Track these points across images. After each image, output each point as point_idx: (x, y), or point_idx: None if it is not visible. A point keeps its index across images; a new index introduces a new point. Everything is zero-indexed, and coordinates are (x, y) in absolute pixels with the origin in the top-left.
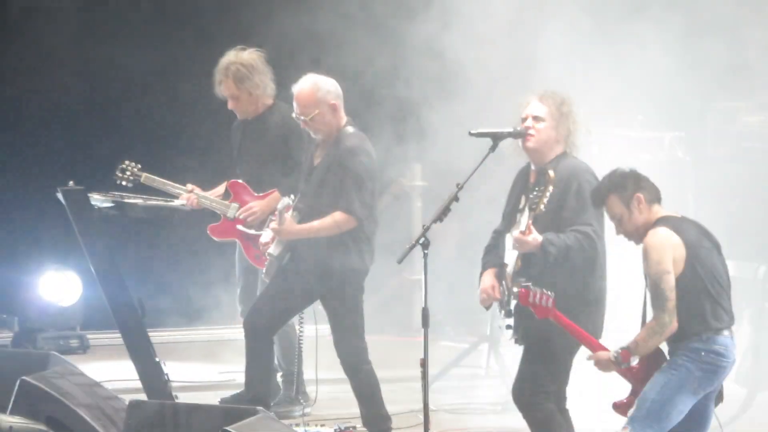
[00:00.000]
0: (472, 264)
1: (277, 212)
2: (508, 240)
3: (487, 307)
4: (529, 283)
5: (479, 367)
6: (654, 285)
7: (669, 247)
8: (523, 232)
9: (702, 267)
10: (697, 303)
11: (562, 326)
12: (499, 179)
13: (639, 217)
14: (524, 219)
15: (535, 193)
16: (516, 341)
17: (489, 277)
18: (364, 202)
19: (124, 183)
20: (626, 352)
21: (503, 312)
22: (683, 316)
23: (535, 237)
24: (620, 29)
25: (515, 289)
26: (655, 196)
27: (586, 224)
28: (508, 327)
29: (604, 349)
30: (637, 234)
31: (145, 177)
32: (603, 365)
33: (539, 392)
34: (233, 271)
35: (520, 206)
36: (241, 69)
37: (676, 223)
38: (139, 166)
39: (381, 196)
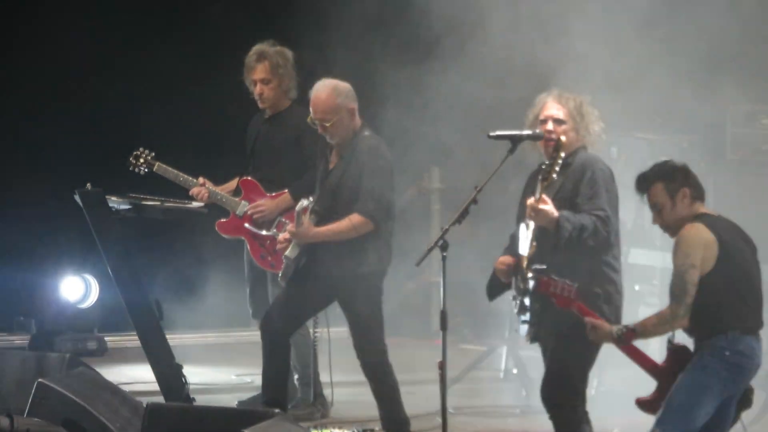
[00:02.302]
0: (492, 266)
1: (294, 214)
2: (522, 230)
3: (493, 293)
4: (545, 267)
5: (498, 370)
6: (678, 276)
7: (701, 242)
8: (537, 200)
9: (733, 266)
10: (725, 301)
11: (583, 316)
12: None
13: (681, 211)
14: (537, 189)
15: (547, 163)
16: (531, 340)
17: (504, 257)
18: (380, 205)
19: (136, 170)
20: (631, 332)
21: (518, 306)
22: (710, 313)
23: (551, 210)
24: (640, 32)
25: (530, 276)
26: (699, 194)
27: (599, 209)
28: (524, 322)
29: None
30: (675, 227)
31: (158, 166)
32: (599, 335)
33: (571, 393)
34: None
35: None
36: (278, 56)
37: (713, 221)
38: (153, 154)
39: (399, 197)
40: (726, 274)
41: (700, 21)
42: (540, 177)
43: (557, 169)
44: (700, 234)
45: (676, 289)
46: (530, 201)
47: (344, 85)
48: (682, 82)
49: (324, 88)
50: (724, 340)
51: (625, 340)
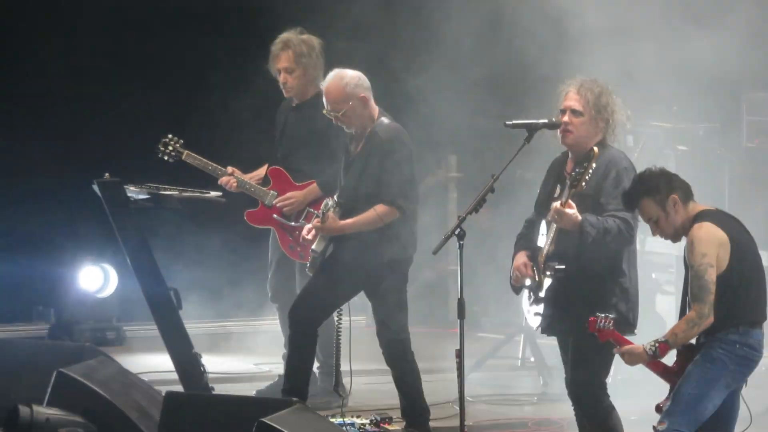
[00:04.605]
0: (509, 255)
1: (320, 214)
2: (542, 226)
3: (518, 289)
4: (563, 267)
5: (515, 359)
6: (697, 277)
7: (715, 241)
8: (563, 203)
9: (744, 262)
10: (737, 296)
11: (619, 344)
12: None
13: (676, 217)
14: (564, 195)
15: (577, 170)
16: (543, 331)
17: (521, 257)
18: (404, 193)
19: (165, 158)
20: (664, 345)
21: (532, 299)
22: (723, 308)
23: (575, 214)
24: (657, 19)
25: (548, 273)
26: (688, 194)
27: (623, 211)
28: (537, 314)
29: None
30: (675, 233)
31: (187, 154)
32: (635, 358)
33: (599, 387)
34: (267, 261)
35: (555, 194)
36: (303, 45)
37: (720, 218)
38: (182, 141)
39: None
40: (738, 270)
41: (717, 10)
42: (569, 182)
43: (587, 178)
44: (712, 233)
45: (698, 291)
46: (555, 204)
47: (354, 74)
48: (699, 69)
49: (332, 79)
50: (736, 333)
51: (661, 354)
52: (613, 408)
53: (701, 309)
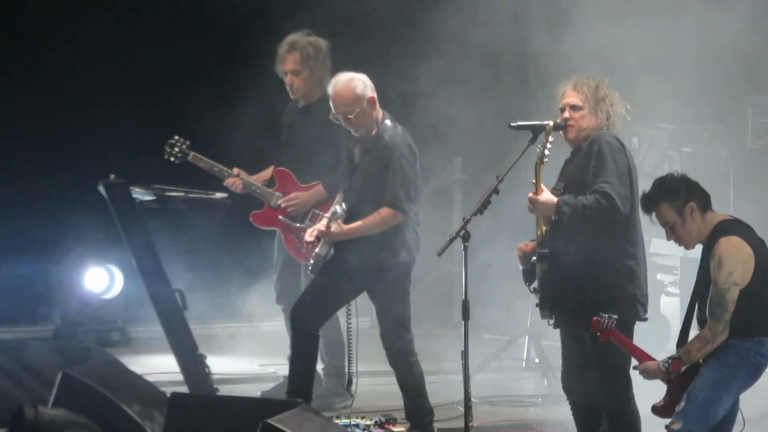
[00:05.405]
0: (514, 256)
1: (327, 220)
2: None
3: (528, 274)
4: (546, 251)
5: (519, 360)
6: (719, 294)
7: (742, 258)
8: (535, 193)
9: (765, 274)
10: (755, 307)
11: (622, 346)
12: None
13: (692, 225)
14: (537, 179)
15: (539, 147)
16: (542, 317)
17: (524, 242)
18: (408, 195)
19: (171, 159)
20: (677, 362)
21: (530, 287)
22: (741, 317)
23: (550, 198)
24: (661, 22)
25: (533, 259)
26: (707, 203)
27: (604, 182)
28: (537, 305)
29: (652, 359)
30: (690, 241)
31: (193, 156)
32: (651, 374)
33: (629, 388)
34: (272, 262)
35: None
36: (309, 47)
37: (743, 231)
38: (188, 143)
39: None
40: (759, 282)
41: (723, 13)
42: (536, 161)
43: (547, 152)
44: (740, 249)
45: (716, 308)
46: (530, 195)
47: (360, 76)
48: (704, 71)
49: (341, 82)
50: (751, 342)
51: (674, 371)
52: (637, 409)
53: (716, 326)
